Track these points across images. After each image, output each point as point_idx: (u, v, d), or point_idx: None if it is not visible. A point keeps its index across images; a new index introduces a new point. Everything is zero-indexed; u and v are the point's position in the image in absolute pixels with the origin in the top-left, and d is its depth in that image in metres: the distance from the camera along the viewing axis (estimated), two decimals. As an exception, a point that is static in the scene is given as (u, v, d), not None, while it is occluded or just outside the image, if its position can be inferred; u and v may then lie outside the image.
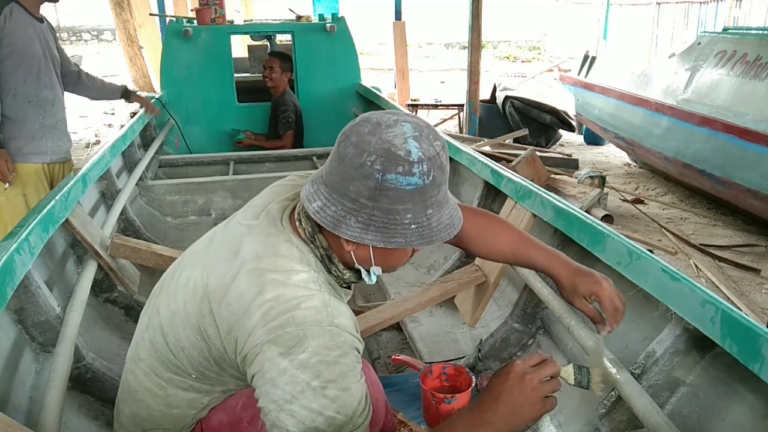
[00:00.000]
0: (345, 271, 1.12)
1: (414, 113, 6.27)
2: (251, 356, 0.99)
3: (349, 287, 1.20)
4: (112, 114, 8.75)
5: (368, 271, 1.11)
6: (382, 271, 1.13)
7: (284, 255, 1.06)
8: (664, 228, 4.05)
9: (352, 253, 1.07)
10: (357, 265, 1.10)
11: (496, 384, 1.02)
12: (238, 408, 1.16)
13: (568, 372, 1.07)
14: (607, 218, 3.87)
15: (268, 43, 5.88)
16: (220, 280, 1.06)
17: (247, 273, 1.03)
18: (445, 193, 1.05)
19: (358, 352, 1.03)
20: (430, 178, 0.99)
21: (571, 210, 1.81)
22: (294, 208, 1.16)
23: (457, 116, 7.20)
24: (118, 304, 2.23)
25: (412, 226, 1.01)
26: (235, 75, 4.66)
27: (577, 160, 5.28)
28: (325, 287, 1.06)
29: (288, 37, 5.40)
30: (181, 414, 1.17)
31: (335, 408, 0.96)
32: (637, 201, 4.70)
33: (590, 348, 1.26)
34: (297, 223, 1.11)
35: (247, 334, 1.00)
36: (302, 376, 0.95)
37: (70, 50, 9.58)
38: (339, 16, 4.82)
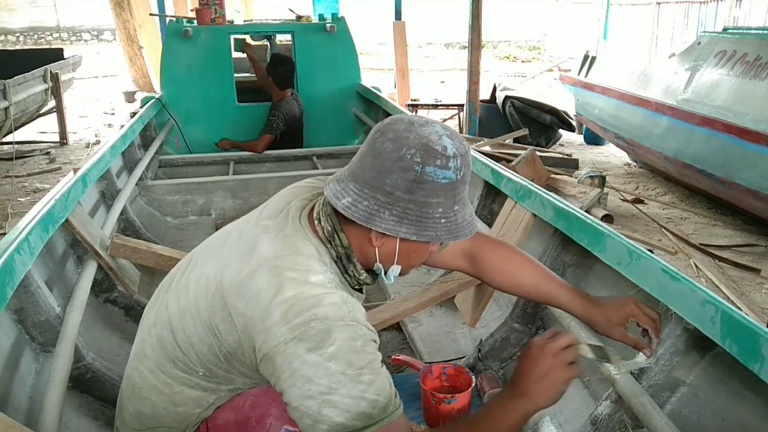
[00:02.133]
0: (362, 272, 1.14)
1: (414, 113, 6.27)
2: (273, 354, 0.99)
3: (361, 290, 1.21)
4: (112, 114, 8.75)
5: (385, 273, 1.15)
6: (400, 273, 1.16)
7: (303, 253, 1.07)
8: (664, 228, 4.05)
9: (377, 249, 1.10)
10: (377, 264, 1.13)
11: (521, 363, 1.08)
12: (246, 407, 1.16)
13: (584, 349, 1.11)
14: (607, 218, 3.87)
15: (268, 43, 5.88)
16: (235, 277, 1.06)
17: (267, 271, 1.04)
18: (467, 192, 1.11)
19: (376, 343, 1.05)
20: (462, 173, 1.05)
21: (571, 210, 1.81)
22: (312, 208, 1.17)
23: (457, 116, 7.20)
24: (118, 304, 2.23)
25: (442, 220, 1.06)
26: (235, 75, 4.66)
27: (577, 160, 5.27)
28: (340, 288, 1.08)
29: (288, 37, 5.40)
30: (186, 412, 1.17)
31: (374, 391, 0.98)
32: (637, 201, 4.70)
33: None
34: (316, 222, 1.12)
35: (267, 332, 1.00)
36: (335, 367, 0.97)
37: (70, 50, 9.57)
38: (339, 16, 4.82)
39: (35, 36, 18.40)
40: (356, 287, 1.18)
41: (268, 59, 5.04)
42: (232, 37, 4.75)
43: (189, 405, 1.16)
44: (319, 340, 0.97)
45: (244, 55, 5.32)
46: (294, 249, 1.07)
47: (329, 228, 1.11)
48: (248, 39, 6.19)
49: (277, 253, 1.06)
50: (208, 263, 1.14)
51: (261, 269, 1.04)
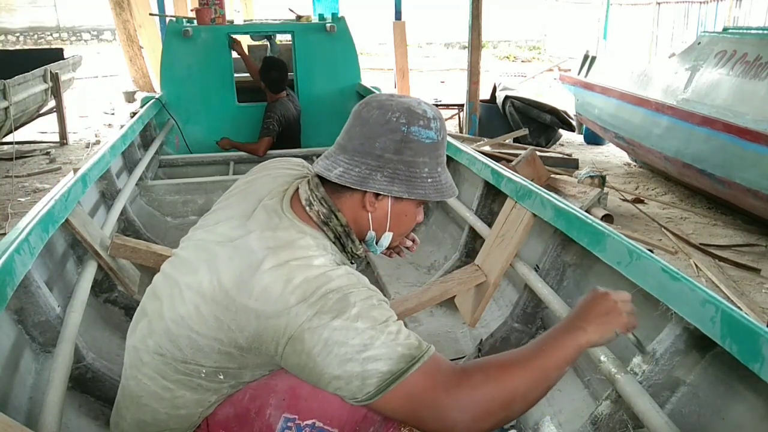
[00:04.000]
0: (359, 246, 1.23)
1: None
2: (300, 334, 1.01)
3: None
4: (112, 114, 8.74)
5: (377, 242, 1.23)
6: (390, 241, 1.25)
7: (300, 246, 1.10)
8: (664, 228, 4.05)
9: (370, 216, 1.18)
10: (370, 233, 1.21)
11: (581, 304, 1.14)
12: (245, 400, 1.16)
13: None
14: (607, 218, 3.86)
15: (268, 43, 5.88)
16: (236, 278, 1.07)
17: (269, 266, 1.06)
18: (445, 158, 1.22)
19: (387, 303, 1.10)
20: (441, 135, 1.17)
21: (571, 210, 1.81)
22: (292, 197, 1.20)
23: (457, 116, 7.20)
24: (118, 304, 2.23)
25: (429, 179, 1.16)
26: (235, 75, 4.66)
27: (577, 160, 5.27)
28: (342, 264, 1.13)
29: (288, 37, 5.40)
30: (187, 414, 1.17)
31: (404, 336, 1.03)
32: (637, 201, 4.70)
33: None
34: (307, 208, 1.17)
35: (287, 316, 1.02)
36: (363, 325, 1.01)
37: (70, 50, 9.57)
38: (339, 16, 4.81)
39: (35, 36, 18.40)
40: (352, 262, 1.25)
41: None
42: (228, 35, 4.73)
43: (191, 407, 1.16)
44: (340, 307, 1.02)
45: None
46: (289, 243, 1.10)
47: (325, 210, 1.16)
48: (248, 38, 6.17)
49: (273, 249, 1.08)
50: (197, 271, 1.13)
51: (262, 265, 1.06)
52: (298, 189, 1.22)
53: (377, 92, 1.24)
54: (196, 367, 1.12)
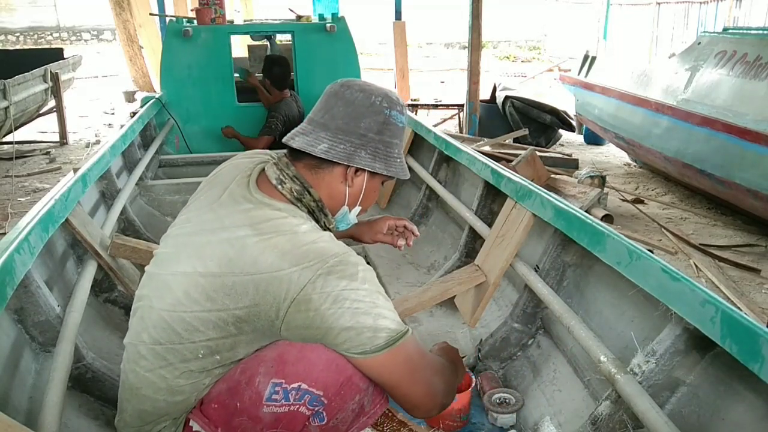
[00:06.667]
0: (332, 220, 1.30)
1: (414, 113, 6.25)
2: (305, 295, 1.07)
3: None
4: (112, 114, 8.75)
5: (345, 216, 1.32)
6: (357, 216, 1.34)
7: (280, 217, 1.16)
8: (664, 228, 4.05)
9: (347, 190, 1.26)
10: (344, 207, 1.29)
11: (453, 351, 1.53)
12: (236, 374, 1.19)
13: None
14: (607, 218, 3.86)
15: (268, 43, 5.87)
16: (223, 257, 1.11)
17: (257, 242, 1.10)
18: None
19: None
20: (407, 121, 1.29)
21: (571, 210, 1.81)
22: (257, 179, 1.24)
23: (457, 116, 7.19)
24: (118, 304, 2.23)
25: (398, 159, 1.28)
26: (236, 75, 4.66)
27: (577, 160, 5.26)
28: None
29: (288, 37, 5.40)
30: (184, 399, 1.20)
31: (392, 305, 1.16)
32: (637, 201, 4.70)
33: None
34: (279, 187, 1.21)
35: (288, 283, 1.07)
36: (369, 287, 1.12)
37: (70, 50, 9.56)
38: (339, 15, 4.81)
39: (35, 36, 18.39)
40: None
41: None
42: (239, 67, 4.70)
43: (187, 392, 1.20)
44: (343, 269, 1.10)
45: (245, 54, 5.30)
46: (268, 217, 1.15)
47: (297, 187, 1.22)
48: (248, 38, 6.14)
49: (251, 224, 1.13)
50: (180, 263, 1.17)
51: (247, 240, 1.11)
52: (262, 171, 1.27)
53: (348, 78, 1.31)
54: (193, 346, 1.14)
